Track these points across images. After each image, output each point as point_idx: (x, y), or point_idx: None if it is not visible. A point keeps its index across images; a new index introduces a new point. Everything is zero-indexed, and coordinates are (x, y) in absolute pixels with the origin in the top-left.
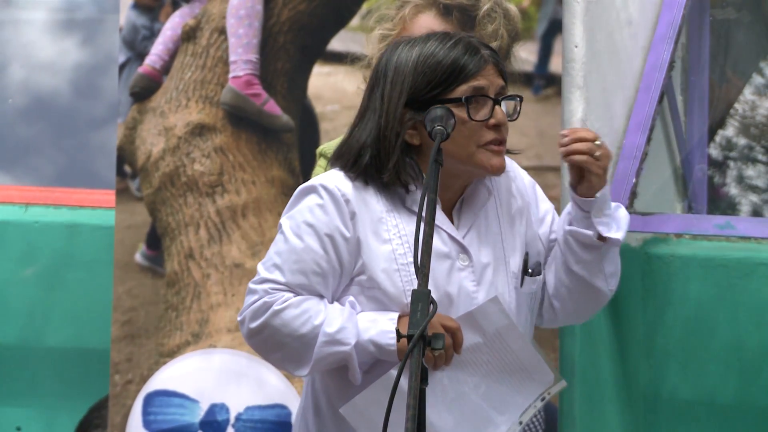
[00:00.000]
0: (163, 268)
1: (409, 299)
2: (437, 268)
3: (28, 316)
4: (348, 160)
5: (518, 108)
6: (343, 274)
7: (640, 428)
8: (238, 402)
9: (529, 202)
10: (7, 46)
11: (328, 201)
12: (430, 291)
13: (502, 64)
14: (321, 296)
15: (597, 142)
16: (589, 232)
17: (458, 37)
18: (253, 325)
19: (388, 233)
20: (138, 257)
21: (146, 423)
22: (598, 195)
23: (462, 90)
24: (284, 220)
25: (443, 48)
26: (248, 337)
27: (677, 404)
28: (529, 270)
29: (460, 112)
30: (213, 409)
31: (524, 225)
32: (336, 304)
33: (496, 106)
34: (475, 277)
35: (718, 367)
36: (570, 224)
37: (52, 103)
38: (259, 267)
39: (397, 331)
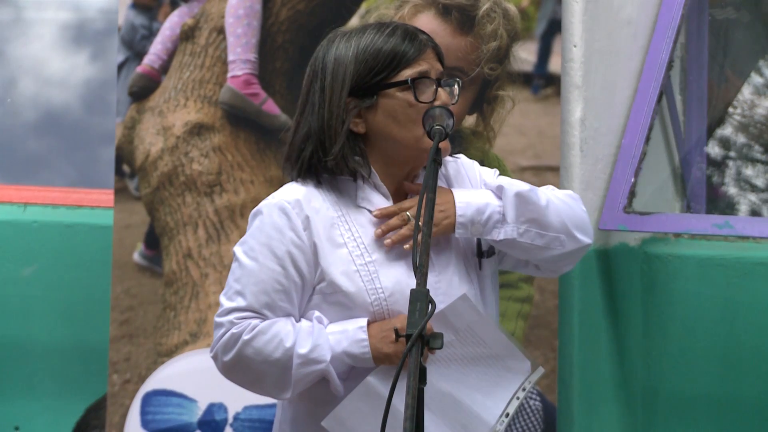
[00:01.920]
0: (162, 268)
1: (372, 298)
2: (397, 265)
3: (27, 316)
4: (295, 158)
5: (457, 93)
6: (305, 286)
7: (638, 427)
8: (236, 402)
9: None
10: (18, 61)
11: (278, 216)
12: (428, 290)
13: (440, 49)
14: (288, 314)
15: (406, 214)
16: (491, 243)
17: (395, 25)
18: (227, 358)
19: (341, 237)
20: (136, 257)
21: (144, 422)
22: (457, 233)
23: (406, 74)
24: (236, 248)
25: (382, 35)
26: (224, 371)
27: (675, 403)
28: (483, 251)
29: (406, 95)
30: (211, 408)
31: None
32: (304, 322)
33: (439, 89)
34: (435, 269)
35: (716, 366)
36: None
37: (63, 118)
38: (221, 299)
39: (396, 331)
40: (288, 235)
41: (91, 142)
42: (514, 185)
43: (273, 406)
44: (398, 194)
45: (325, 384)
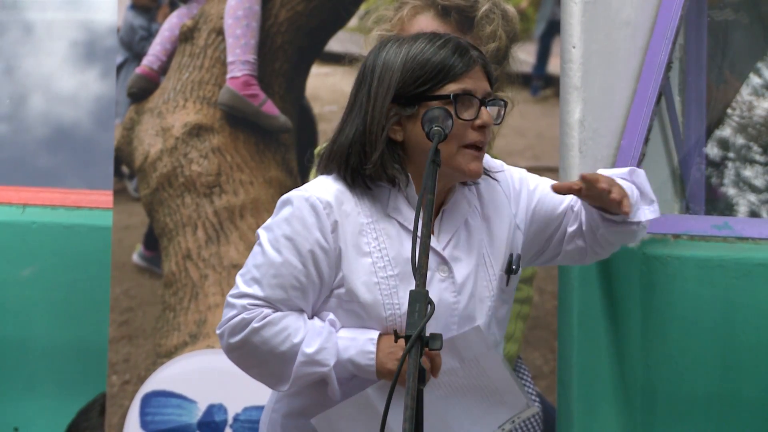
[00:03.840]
0: (161, 269)
1: (387, 312)
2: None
3: (26, 317)
4: (340, 161)
5: (502, 113)
6: (323, 286)
7: (637, 428)
8: (235, 403)
9: (518, 202)
10: (29, 78)
11: (308, 213)
12: (427, 291)
13: (490, 67)
14: (300, 310)
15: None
16: (633, 228)
17: (448, 37)
18: (233, 340)
19: (368, 246)
20: (135, 258)
21: (144, 423)
22: (632, 211)
23: (450, 88)
24: (262, 231)
25: (433, 46)
26: (227, 351)
27: (674, 403)
28: (513, 267)
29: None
30: (211, 409)
31: (506, 229)
32: (316, 320)
33: (482, 108)
34: (455, 288)
35: (715, 367)
36: (606, 223)
37: (73, 134)
38: (238, 279)
39: (395, 332)
40: (315, 235)
41: (101, 158)
42: (634, 169)
43: None
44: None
45: (324, 385)
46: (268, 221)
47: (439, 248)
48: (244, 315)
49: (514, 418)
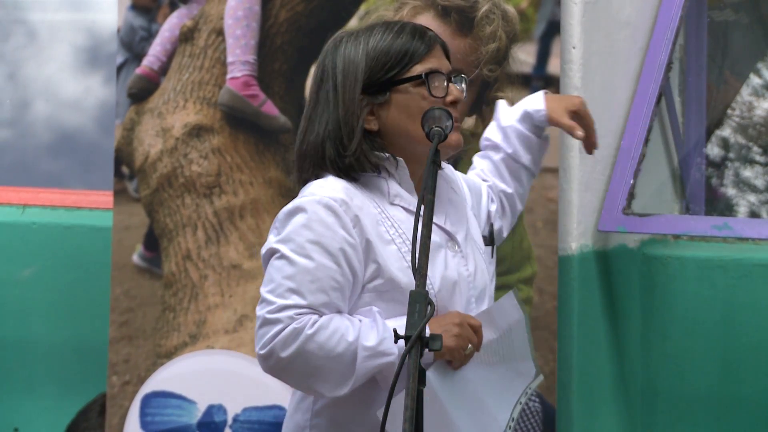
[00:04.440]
0: (161, 269)
1: None
2: (436, 259)
3: (26, 317)
4: (315, 158)
5: (465, 89)
6: (356, 283)
7: (637, 428)
8: (235, 403)
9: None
10: (32, 83)
11: (325, 214)
12: (427, 292)
13: (447, 46)
14: (340, 312)
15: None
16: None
17: (403, 23)
18: (285, 354)
19: (387, 234)
20: (135, 258)
21: (144, 424)
22: None
23: (417, 69)
24: (280, 246)
25: (392, 33)
26: (278, 369)
27: (675, 404)
28: (494, 239)
29: (420, 90)
30: (210, 410)
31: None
32: (361, 317)
33: (450, 84)
34: (465, 261)
35: (715, 368)
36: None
37: (76, 139)
38: (269, 296)
39: (395, 331)
40: (340, 233)
41: (104, 162)
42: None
43: (273, 407)
44: (417, 191)
45: (368, 386)
46: (280, 235)
47: (443, 224)
48: (294, 325)
49: (527, 390)
